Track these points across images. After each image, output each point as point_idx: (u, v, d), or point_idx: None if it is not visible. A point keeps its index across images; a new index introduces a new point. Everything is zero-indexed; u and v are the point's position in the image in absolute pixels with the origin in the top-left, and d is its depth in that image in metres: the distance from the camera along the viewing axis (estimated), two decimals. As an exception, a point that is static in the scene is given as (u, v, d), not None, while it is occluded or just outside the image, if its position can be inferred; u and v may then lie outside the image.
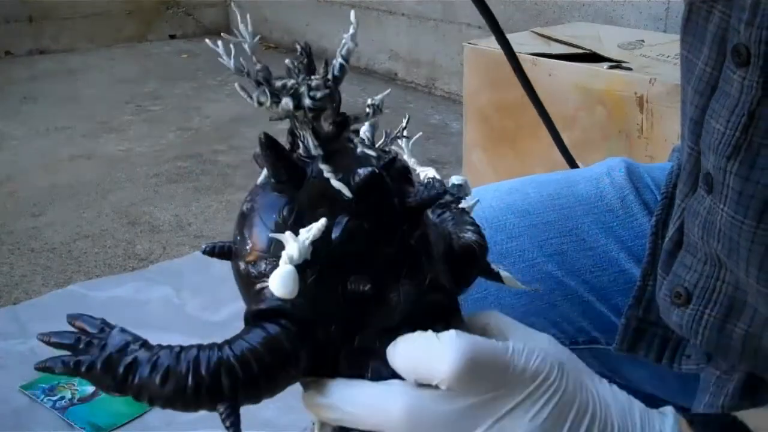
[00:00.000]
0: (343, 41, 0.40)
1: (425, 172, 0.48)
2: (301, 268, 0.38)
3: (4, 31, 4.24)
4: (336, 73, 0.39)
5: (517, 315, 0.70)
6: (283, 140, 0.41)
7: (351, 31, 0.40)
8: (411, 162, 0.47)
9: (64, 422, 1.44)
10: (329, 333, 0.40)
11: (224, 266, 0.43)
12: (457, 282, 0.45)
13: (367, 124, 0.44)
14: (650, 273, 0.68)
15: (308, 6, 4.19)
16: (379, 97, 0.42)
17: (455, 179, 0.50)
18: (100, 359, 0.37)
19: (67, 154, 2.85)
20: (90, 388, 1.54)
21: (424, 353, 0.39)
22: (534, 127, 1.38)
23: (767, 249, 0.51)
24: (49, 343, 0.39)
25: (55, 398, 1.50)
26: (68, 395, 1.51)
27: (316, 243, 0.38)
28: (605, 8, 2.76)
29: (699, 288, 0.59)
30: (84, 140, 2.96)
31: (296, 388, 0.42)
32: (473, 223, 0.48)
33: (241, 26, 0.39)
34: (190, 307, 1.76)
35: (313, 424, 0.43)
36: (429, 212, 0.47)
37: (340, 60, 0.39)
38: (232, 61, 0.38)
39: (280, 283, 0.38)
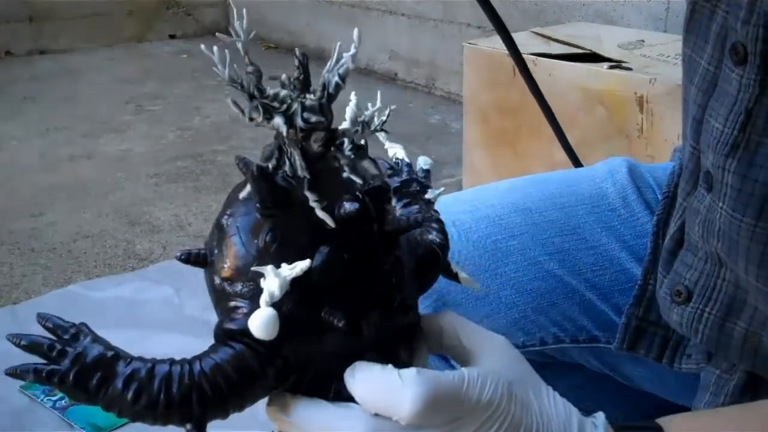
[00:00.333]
0: (342, 60, 0.39)
1: (393, 150, 0.48)
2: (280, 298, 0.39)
3: (4, 31, 4.24)
4: (331, 91, 0.39)
5: (519, 313, 0.71)
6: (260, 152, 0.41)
7: (353, 51, 0.40)
8: (381, 137, 0.47)
9: (64, 422, 1.44)
10: (297, 356, 0.41)
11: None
12: (420, 285, 0.46)
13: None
14: (651, 272, 0.68)
15: (308, 6, 4.19)
16: (369, 112, 0.41)
17: (423, 163, 0.50)
18: (73, 372, 0.37)
19: (67, 154, 2.85)
20: (90, 388, 1.54)
21: (385, 391, 0.40)
22: (534, 127, 1.38)
23: (766, 247, 0.51)
24: (19, 346, 0.38)
25: (55, 398, 1.50)
26: (68, 395, 1.51)
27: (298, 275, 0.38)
28: (605, 8, 2.76)
29: (699, 286, 0.59)
30: (84, 140, 2.96)
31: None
32: (438, 220, 0.48)
33: (237, 24, 0.39)
34: (190, 307, 1.76)
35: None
36: (396, 204, 0.47)
37: (336, 79, 0.39)
38: (226, 71, 0.38)
39: (262, 327, 0.38)
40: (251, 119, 0.38)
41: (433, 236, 0.47)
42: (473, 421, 0.41)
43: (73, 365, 0.37)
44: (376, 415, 0.41)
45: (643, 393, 0.76)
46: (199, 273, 0.43)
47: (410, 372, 0.40)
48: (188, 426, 0.39)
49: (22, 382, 1.54)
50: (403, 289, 0.43)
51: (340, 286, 0.40)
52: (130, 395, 0.37)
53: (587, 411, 0.47)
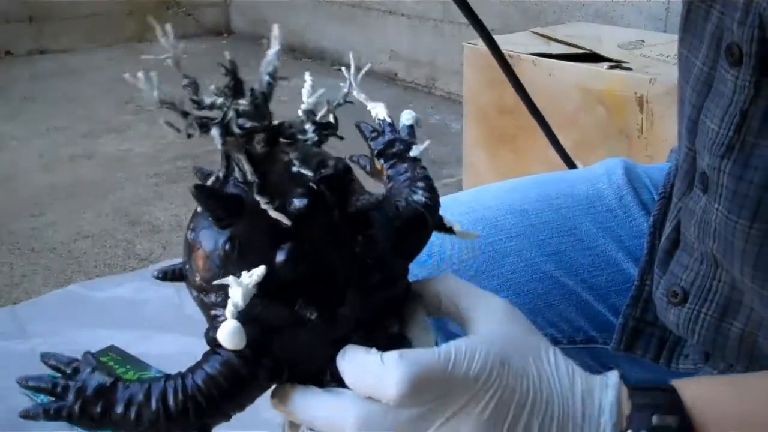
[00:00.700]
0: (269, 58, 0.39)
1: (375, 110, 0.48)
2: (249, 303, 0.39)
3: (4, 31, 4.24)
4: (264, 90, 0.39)
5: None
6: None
7: (276, 47, 0.39)
8: (362, 98, 0.47)
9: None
10: (284, 352, 0.42)
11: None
12: (408, 253, 0.46)
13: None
14: (648, 272, 0.68)
15: (308, 6, 4.19)
16: (311, 99, 0.41)
17: (405, 118, 0.50)
18: (77, 405, 0.40)
19: (67, 154, 2.85)
20: (90, 388, 1.54)
21: (370, 376, 0.41)
22: (534, 127, 1.38)
23: (761, 248, 0.51)
24: (27, 388, 0.42)
25: (55, 398, 1.50)
26: (68, 395, 1.51)
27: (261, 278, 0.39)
28: (605, 8, 2.76)
29: (695, 287, 0.59)
30: (84, 140, 2.96)
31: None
32: (424, 177, 0.48)
33: (163, 40, 0.38)
34: (190, 307, 1.74)
35: (284, 424, 0.46)
36: (384, 166, 0.47)
37: (267, 78, 0.39)
38: (155, 93, 0.38)
39: (228, 339, 0.40)
40: (189, 136, 0.39)
41: (419, 196, 0.47)
42: (462, 396, 0.41)
43: (76, 399, 0.41)
44: (369, 397, 0.41)
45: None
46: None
47: (392, 355, 0.41)
48: None
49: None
50: (384, 266, 0.43)
51: (310, 278, 0.40)
52: (132, 417, 0.40)
53: None
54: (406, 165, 0.48)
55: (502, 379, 0.41)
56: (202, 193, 0.39)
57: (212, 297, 0.41)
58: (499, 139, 2.08)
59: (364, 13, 3.96)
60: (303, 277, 0.40)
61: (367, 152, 0.51)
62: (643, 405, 0.44)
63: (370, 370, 0.41)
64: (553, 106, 1.85)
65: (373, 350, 0.42)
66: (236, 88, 0.39)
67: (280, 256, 0.39)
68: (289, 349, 0.42)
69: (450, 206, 0.75)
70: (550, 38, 2.07)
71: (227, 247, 0.40)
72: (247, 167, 0.39)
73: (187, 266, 0.42)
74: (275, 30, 0.39)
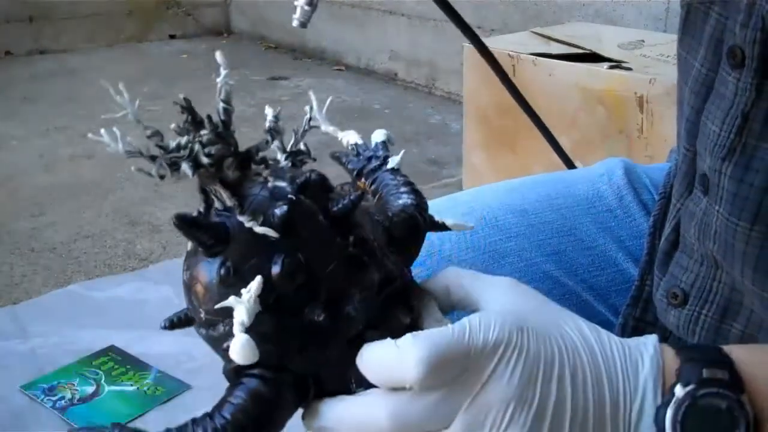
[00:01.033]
0: (219, 84, 0.41)
1: (346, 138, 0.48)
2: (257, 320, 0.39)
3: (4, 31, 4.24)
4: (222, 117, 0.40)
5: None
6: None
7: (223, 72, 0.41)
8: (330, 130, 0.47)
9: (64, 422, 1.44)
10: (303, 363, 0.42)
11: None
12: (407, 255, 0.46)
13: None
14: (648, 273, 0.68)
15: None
16: (271, 115, 0.43)
17: (377, 137, 0.50)
18: None
19: (67, 154, 2.85)
20: (90, 389, 1.54)
21: (388, 365, 0.40)
22: (534, 127, 1.39)
23: (762, 251, 0.51)
24: None
25: (55, 398, 1.50)
26: (68, 395, 1.51)
27: (261, 293, 0.39)
28: (605, 8, 2.77)
29: (695, 289, 0.59)
30: (84, 140, 2.96)
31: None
32: (406, 182, 0.48)
33: (119, 98, 0.40)
34: (190, 307, 1.76)
35: None
36: (368, 184, 0.47)
37: (221, 104, 0.41)
38: (120, 146, 0.40)
39: (240, 353, 0.39)
40: (162, 177, 0.40)
41: (404, 200, 0.47)
42: (485, 366, 0.39)
43: None
44: (394, 392, 0.41)
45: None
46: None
47: (406, 339, 0.40)
48: None
49: (23, 382, 1.55)
50: (381, 263, 0.43)
51: (310, 284, 0.40)
52: None
53: None
54: (386, 176, 0.48)
55: (523, 342, 0.40)
56: (184, 222, 0.39)
57: (220, 328, 0.41)
58: (499, 139, 2.08)
59: (364, 13, 3.96)
60: (303, 285, 0.40)
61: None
62: (691, 359, 0.42)
63: (388, 359, 0.40)
64: (553, 106, 1.86)
65: (387, 339, 0.41)
66: (195, 122, 0.41)
67: (275, 270, 0.39)
68: (307, 361, 0.42)
69: (450, 206, 0.75)
70: (550, 38, 2.07)
71: (222, 271, 0.40)
72: (223, 193, 0.40)
73: (191, 306, 0.43)
74: (218, 56, 0.42)
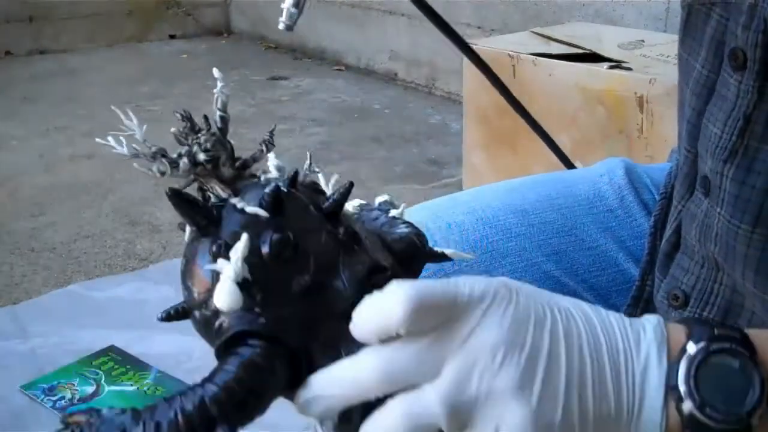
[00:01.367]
0: (216, 95, 0.45)
1: (351, 204, 0.50)
2: (247, 288, 0.40)
3: (4, 31, 4.24)
4: (219, 125, 0.44)
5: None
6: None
7: (219, 84, 0.45)
8: (349, 206, 0.49)
9: (64, 422, 1.44)
10: (295, 336, 0.42)
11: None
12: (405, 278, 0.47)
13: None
14: (648, 273, 0.68)
15: (308, 6, 4.19)
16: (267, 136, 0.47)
17: (380, 198, 0.52)
18: None
19: (67, 154, 2.85)
20: (90, 389, 1.54)
21: (375, 311, 0.40)
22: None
23: (763, 253, 0.51)
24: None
25: (55, 398, 1.50)
26: (68, 395, 1.51)
27: (251, 263, 0.40)
28: (605, 8, 2.77)
29: (696, 290, 0.59)
30: (84, 140, 2.96)
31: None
32: (405, 222, 0.49)
33: (127, 122, 0.45)
34: (190, 307, 1.76)
35: (315, 427, 0.45)
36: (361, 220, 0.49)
37: (218, 113, 0.45)
38: (125, 149, 0.44)
39: (224, 296, 0.39)
40: (162, 173, 0.43)
41: (402, 229, 0.48)
42: (474, 313, 0.38)
43: None
44: (383, 344, 0.40)
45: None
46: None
47: (390, 284, 0.39)
48: None
49: (23, 382, 1.54)
50: (370, 254, 0.44)
51: (297, 259, 0.42)
52: None
53: None
54: (376, 212, 0.50)
55: (512, 296, 0.39)
56: (178, 197, 0.41)
57: (212, 304, 0.41)
58: (499, 139, 2.08)
59: (364, 13, 3.96)
60: (291, 258, 0.42)
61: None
62: (701, 321, 0.41)
63: (373, 306, 0.39)
64: (553, 106, 1.86)
65: (375, 292, 0.40)
66: (194, 128, 0.44)
67: (264, 248, 0.41)
68: (298, 333, 0.42)
69: (450, 206, 0.75)
70: (550, 38, 2.07)
71: (214, 248, 0.41)
72: (218, 186, 0.43)
73: (186, 292, 0.43)
74: (216, 72, 0.46)
